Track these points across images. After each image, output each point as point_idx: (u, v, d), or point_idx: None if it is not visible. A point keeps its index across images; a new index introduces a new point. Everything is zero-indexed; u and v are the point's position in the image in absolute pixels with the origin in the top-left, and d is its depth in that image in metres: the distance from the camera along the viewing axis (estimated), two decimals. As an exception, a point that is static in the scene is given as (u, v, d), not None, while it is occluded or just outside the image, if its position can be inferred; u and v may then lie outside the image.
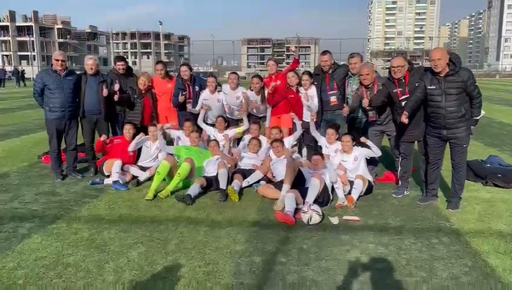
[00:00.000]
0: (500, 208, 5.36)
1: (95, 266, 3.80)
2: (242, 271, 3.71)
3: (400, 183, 5.97)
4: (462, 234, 4.50)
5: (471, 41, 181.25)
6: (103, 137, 6.76)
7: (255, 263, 3.86)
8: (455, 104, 4.95)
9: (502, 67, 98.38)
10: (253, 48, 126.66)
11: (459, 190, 5.30)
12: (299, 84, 6.90)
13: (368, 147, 5.93)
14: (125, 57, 8.14)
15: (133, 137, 6.84)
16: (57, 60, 6.41)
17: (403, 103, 5.38)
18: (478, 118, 5.11)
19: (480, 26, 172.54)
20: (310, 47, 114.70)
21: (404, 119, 5.15)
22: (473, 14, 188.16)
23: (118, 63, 7.43)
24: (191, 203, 5.48)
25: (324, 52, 6.69)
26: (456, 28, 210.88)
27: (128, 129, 6.87)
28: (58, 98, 6.44)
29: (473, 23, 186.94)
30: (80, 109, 6.75)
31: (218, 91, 7.39)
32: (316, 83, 6.74)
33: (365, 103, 5.63)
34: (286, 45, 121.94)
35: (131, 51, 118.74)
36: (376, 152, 5.92)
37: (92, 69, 6.77)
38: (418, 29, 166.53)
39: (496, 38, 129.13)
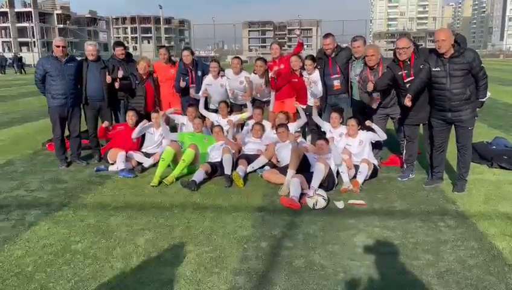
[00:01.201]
0: (507, 190, 5.35)
1: (102, 253, 3.83)
2: (249, 256, 3.72)
3: (405, 166, 5.95)
4: (468, 217, 4.50)
5: (474, 21, 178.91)
6: (105, 124, 6.74)
7: (262, 248, 3.87)
8: (460, 86, 4.89)
9: (506, 47, 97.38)
10: (255, 31, 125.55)
11: (465, 173, 5.28)
12: (303, 68, 6.83)
13: (373, 130, 5.89)
14: (123, 42, 8.03)
15: (136, 124, 6.82)
16: (58, 46, 6.35)
17: (408, 86, 5.32)
18: (484, 100, 5.03)
19: (484, 5, 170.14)
20: (311, 29, 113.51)
21: (408, 102, 5.11)
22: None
23: (117, 49, 7.36)
24: (196, 189, 5.49)
25: (326, 36, 6.59)
26: (459, 7, 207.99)
27: (130, 116, 6.84)
28: (60, 85, 6.40)
29: (476, 2, 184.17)
30: (83, 95, 6.72)
31: (221, 76, 7.32)
32: (319, 67, 6.65)
33: (370, 87, 5.58)
34: (288, 28, 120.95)
35: (132, 35, 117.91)
36: (381, 136, 5.88)
37: (92, 55, 6.71)
38: (421, 9, 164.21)
39: (499, 18, 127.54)
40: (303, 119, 6.81)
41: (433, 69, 4.96)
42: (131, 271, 3.51)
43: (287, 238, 4.07)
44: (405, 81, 5.36)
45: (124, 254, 3.81)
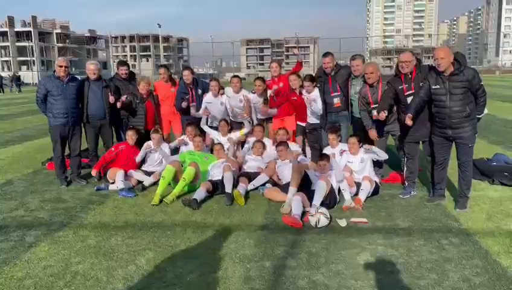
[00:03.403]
0: (509, 206, 5.33)
1: (104, 274, 3.78)
2: (252, 276, 3.68)
3: (406, 183, 5.93)
4: (472, 234, 4.47)
5: (470, 37, 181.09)
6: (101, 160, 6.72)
7: (265, 268, 3.83)
8: (460, 103, 4.92)
9: (502, 63, 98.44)
10: (253, 48, 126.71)
11: (466, 190, 5.26)
12: (302, 86, 6.86)
13: (374, 152, 5.89)
14: (127, 61, 8.08)
15: (137, 142, 6.83)
16: (61, 66, 6.39)
17: (408, 99, 5.36)
18: (481, 116, 5.07)
19: (479, 22, 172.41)
20: (309, 46, 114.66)
21: (409, 121, 5.16)
22: (472, 10, 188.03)
23: (121, 68, 7.42)
24: (197, 208, 5.46)
25: (326, 54, 6.63)
26: (454, 24, 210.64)
27: (130, 135, 6.83)
28: (61, 104, 6.42)
29: (471, 19, 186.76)
30: (84, 114, 6.73)
31: (221, 94, 7.36)
32: (318, 85, 6.69)
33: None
34: (286, 45, 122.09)
35: (131, 54, 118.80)
36: (382, 156, 5.87)
37: (94, 74, 6.76)
38: (417, 26, 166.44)
39: (494, 34, 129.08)
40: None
41: (433, 87, 5.00)
42: (133, 293, 3.47)
43: (290, 258, 4.04)
44: (405, 94, 5.39)
45: (126, 274, 3.76)
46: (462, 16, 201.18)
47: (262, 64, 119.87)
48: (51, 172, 7.39)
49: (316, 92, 6.71)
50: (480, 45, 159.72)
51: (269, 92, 7.19)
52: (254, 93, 7.21)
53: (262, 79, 7.29)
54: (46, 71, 78.38)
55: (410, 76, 5.40)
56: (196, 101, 7.32)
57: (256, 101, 7.22)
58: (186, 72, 7.37)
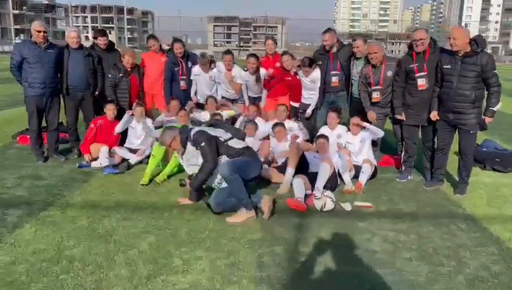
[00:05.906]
0: (505, 192, 5.36)
1: (103, 259, 3.47)
2: (266, 263, 3.48)
3: (403, 167, 5.85)
4: (478, 220, 4.43)
5: (432, 25, 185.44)
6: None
7: (278, 254, 3.63)
8: (467, 87, 4.81)
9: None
10: (220, 26, 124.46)
11: (466, 176, 5.23)
12: (299, 66, 6.59)
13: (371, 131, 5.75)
14: (105, 30, 7.47)
15: (116, 116, 6.38)
16: (39, 32, 5.81)
17: (419, 80, 5.22)
18: (495, 109, 4.88)
19: (442, 11, 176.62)
20: (277, 27, 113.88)
21: (401, 117, 5.43)
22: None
23: (100, 38, 6.82)
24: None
25: (325, 31, 6.35)
26: (418, 12, 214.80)
27: (111, 109, 6.34)
28: (38, 73, 5.88)
29: (434, 7, 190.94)
30: (63, 85, 6.21)
31: (212, 68, 7.01)
32: (320, 62, 6.41)
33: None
34: (253, 24, 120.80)
35: (92, 25, 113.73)
36: (379, 134, 5.70)
37: (76, 42, 6.22)
38: (383, 12, 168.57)
39: (456, 24, 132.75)
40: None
41: (444, 66, 4.89)
42: (140, 280, 3.18)
43: (300, 243, 3.85)
44: (416, 75, 5.24)
45: (128, 260, 3.47)
46: (426, 4, 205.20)
47: (230, 42, 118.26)
48: (24, 147, 6.88)
49: (316, 74, 6.44)
50: (441, 33, 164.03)
51: (262, 72, 6.83)
52: (246, 70, 6.88)
53: (256, 56, 6.93)
54: (2, 39, 74.11)
55: (423, 55, 5.24)
56: (186, 74, 6.92)
57: (248, 78, 6.90)
58: (178, 46, 6.86)
